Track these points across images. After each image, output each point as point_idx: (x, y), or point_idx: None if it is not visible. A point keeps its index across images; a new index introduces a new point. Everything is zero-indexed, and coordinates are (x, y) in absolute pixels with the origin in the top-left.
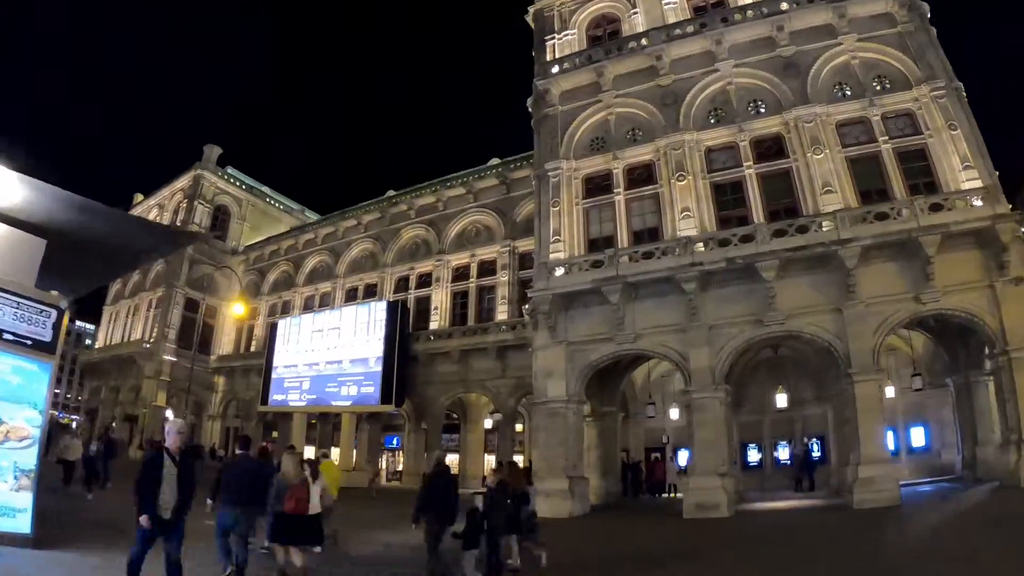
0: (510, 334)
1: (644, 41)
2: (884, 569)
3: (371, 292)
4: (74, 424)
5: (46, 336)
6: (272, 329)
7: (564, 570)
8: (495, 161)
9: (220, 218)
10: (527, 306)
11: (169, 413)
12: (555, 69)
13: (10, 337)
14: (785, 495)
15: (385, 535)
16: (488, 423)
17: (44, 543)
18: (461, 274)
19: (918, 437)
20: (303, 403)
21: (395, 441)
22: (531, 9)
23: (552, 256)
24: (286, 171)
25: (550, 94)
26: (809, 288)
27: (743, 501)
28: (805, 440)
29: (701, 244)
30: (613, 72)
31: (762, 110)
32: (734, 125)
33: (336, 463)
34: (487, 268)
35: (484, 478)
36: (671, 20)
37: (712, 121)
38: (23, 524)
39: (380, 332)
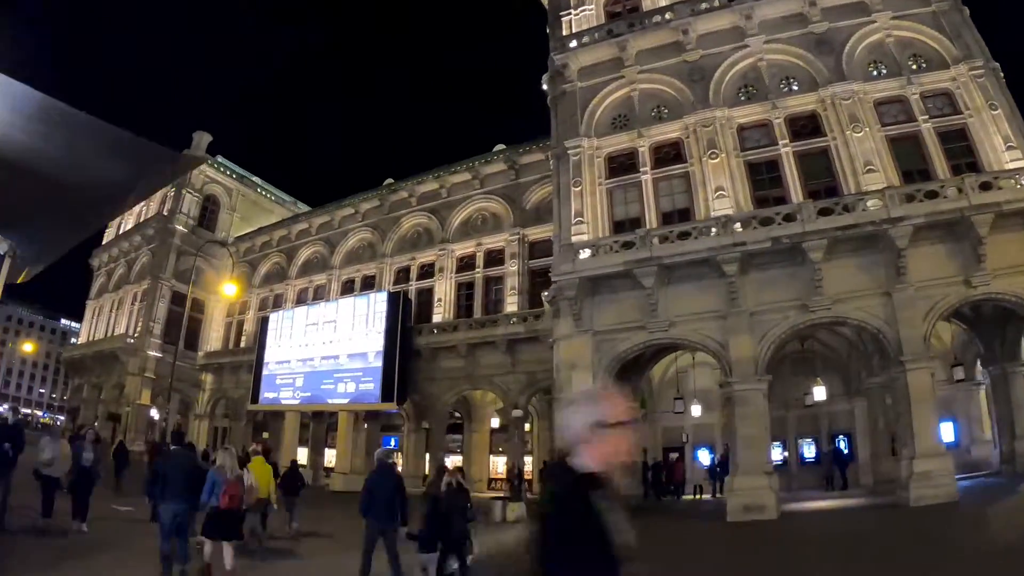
0: (521, 326)
1: (669, 15)
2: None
3: (369, 284)
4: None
5: None
6: (263, 323)
7: None
8: (501, 147)
9: (209, 208)
10: (546, 293)
11: (154, 412)
12: (573, 44)
13: None
14: (814, 495)
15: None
16: (495, 422)
17: None
18: (466, 264)
19: (947, 432)
20: (297, 401)
21: (392, 442)
22: None
23: (575, 238)
24: (278, 166)
25: (568, 69)
26: (856, 271)
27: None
28: (834, 437)
29: (738, 224)
30: (636, 47)
31: (795, 87)
32: (767, 102)
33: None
34: (494, 257)
35: (424, 478)
36: None
37: (743, 98)
38: None
39: (380, 325)
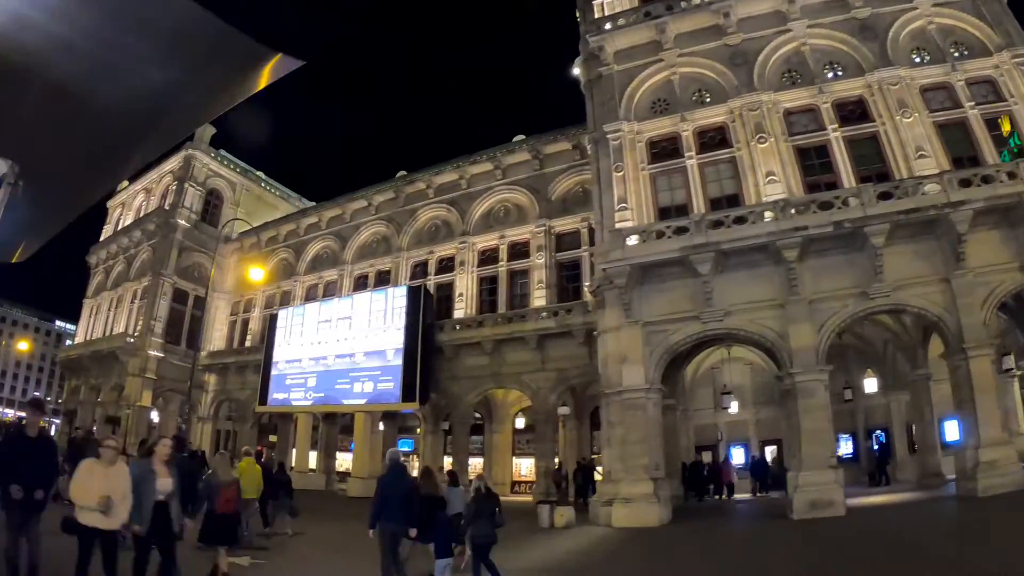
0: (551, 321)
1: None
2: None
3: (384, 279)
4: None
5: None
6: (271, 321)
7: None
8: (521, 138)
9: (212, 203)
10: (588, 283)
11: (154, 415)
12: (608, 26)
13: None
14: (861, 490)
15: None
16: (520, 422)
17: None
18: (489, 257)
19: None
20: (309, 402)
21: (407, 445)
22: None
23: (619, 225)
24: (280, 165)
25: (604, 52)
26: (914, 257)
27: None
28: (870, 433)
29: (793, 209)
30: (675, 30)
31: (839, 72)
32: (813, 87)
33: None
34: (519, 250)
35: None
36: None
37: (787, 83)
38: None
39: (400, 321)
